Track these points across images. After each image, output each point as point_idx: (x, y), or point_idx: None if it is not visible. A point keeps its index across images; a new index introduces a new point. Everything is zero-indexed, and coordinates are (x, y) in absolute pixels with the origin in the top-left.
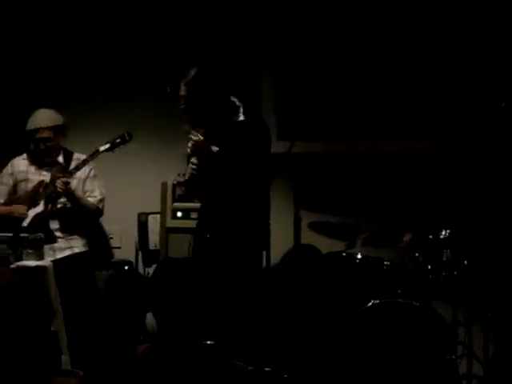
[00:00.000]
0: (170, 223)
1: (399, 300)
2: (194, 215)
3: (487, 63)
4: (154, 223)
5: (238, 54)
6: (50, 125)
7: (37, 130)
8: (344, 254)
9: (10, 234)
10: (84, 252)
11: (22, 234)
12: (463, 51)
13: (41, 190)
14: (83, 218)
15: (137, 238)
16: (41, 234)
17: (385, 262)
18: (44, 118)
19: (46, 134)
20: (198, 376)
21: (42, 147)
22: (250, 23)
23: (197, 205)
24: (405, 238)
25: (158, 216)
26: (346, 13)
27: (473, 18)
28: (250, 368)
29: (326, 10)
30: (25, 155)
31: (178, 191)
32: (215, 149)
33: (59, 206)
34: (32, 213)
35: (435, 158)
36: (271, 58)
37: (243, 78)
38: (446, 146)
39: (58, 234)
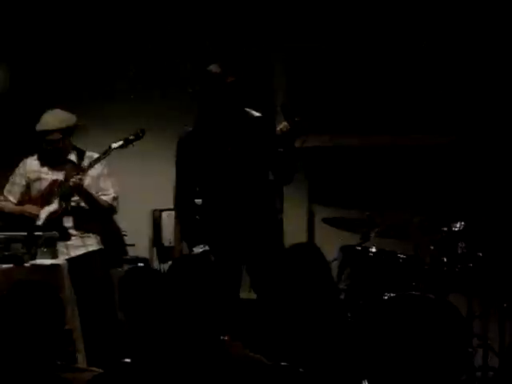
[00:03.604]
0: None
1: (414, 293)
2: None
3: (499, 55)
4: (167, 220)
5: (251, 50)
6: (57, 127)
7: (45, 132)
8: (358, 248)
9: (25, 233)
10: (98, 250)
11: (36, 233)
12: (476, 43)
13: (55, 189)
14: (97, 216)
15: (151, 235)
16: (55, 233)
17: (399, 255)
18: (53, 119)
19: (54, 136)
20: (216, 370)
21: (50, 148)
22: (262, 19)
23: None
24: (413, 221)
25: (172, 212)
26: (358, 7)
27: (484, 8)
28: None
29: (339, 4)
30: (36, 155)
31: None
32: None
33: (73, 204)
34: (46, 211)
35: (449, 152)
36: (283, 52)
37: (256, 72)
38: (461, 138)
39: (72, 232)
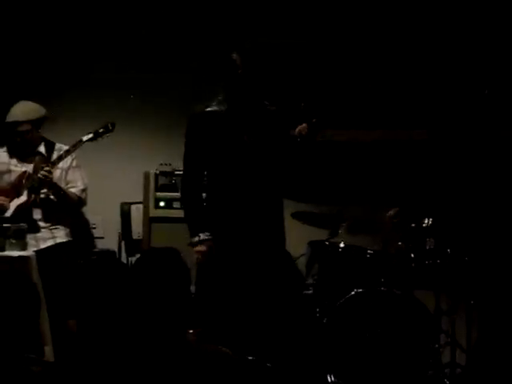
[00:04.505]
0: (153, 213)
1: (382, 288)
2: (176, 205)
3: (472, 51)
4: (136, 213)
5: (221, 44)
6: (28, 118)
7: (15, 123)
8: (327, 243)
9: None
10: (67, 242)
11: (5, 225)
12: (451, 41)
13: (24, 181)
14: (66, 208)
15: (120, 228)
16: (24, 225)
17: (368, 251)
18: (22, 111)
19: (23, 128)
20: (183, 365)
21: (19, 140)
22: (232, 14)
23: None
24: (389, 214)
25: (141, 206)
26: (336, 2)
27: (460, 9)
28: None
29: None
30: (5, 147)
31: (161, 181)
32: None
33: (42, 196)
34: (15, 203)
35: (418, 147)
36: (254, 46)
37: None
38: (430, 134)
39: (41, 224)
